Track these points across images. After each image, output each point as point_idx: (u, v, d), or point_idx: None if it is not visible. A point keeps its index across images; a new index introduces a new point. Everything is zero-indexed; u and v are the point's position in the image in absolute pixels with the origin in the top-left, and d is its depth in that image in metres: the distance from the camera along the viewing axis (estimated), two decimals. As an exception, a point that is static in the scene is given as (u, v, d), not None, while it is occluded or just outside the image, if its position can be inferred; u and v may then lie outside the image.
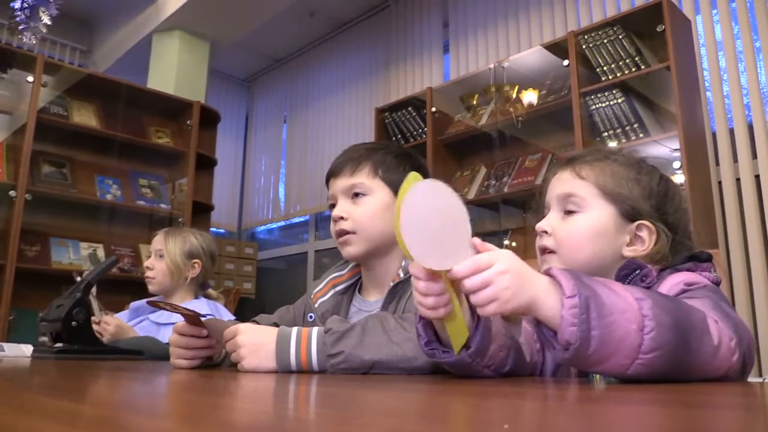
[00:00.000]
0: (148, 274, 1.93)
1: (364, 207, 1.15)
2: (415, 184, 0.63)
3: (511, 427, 0.36)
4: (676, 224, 0.88)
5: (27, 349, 1.49)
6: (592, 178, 0.89)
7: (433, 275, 0.67)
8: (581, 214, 0.89)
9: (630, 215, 0.87)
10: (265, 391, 0.66)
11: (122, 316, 1.88)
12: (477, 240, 0.67)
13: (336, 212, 1.16)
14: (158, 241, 1.98)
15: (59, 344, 1.34)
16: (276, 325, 1.01)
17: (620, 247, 0.87)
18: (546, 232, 0.90)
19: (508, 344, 0.80)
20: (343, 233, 1.15)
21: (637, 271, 0.80)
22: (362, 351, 0.88)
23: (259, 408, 0.51)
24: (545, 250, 0.91)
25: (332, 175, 1.20)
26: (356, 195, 1.16)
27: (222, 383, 0.78)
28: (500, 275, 0.65)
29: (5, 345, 1.53)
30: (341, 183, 1.17)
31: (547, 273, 0.68)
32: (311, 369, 0.90)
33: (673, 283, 0.80)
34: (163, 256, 1.93)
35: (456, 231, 0.66)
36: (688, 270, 0.83)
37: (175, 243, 1.94)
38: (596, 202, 0.88)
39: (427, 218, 0.63)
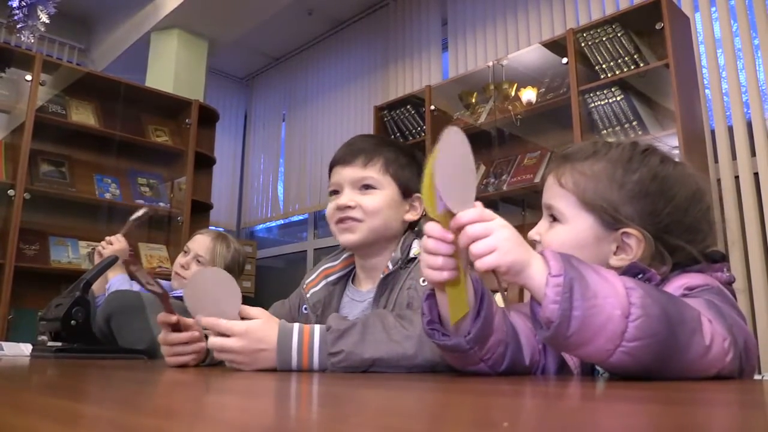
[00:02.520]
0: (183, 273, 1.87)
1: (373, 197, 1.15)
2: (450, 129, 0.66)
3: (511, 426, 0.36)
4: (672, 225, 0.83)
5: (26, 349, 1.49)
6: (571, 186, 0.86)
7: (445, 234, 0.69)
8: (561, 226, 0.87)
9: (612, 224, 0.83)
10: (265, 390, 0.66)
11: (102, 297, 1.85)
12: (478, 203, 0.69)
13: (343, 200, 1.15)
14: (204, 247, 1.90)
15: (58, 343, 1.34)
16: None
17: (606, 256, 0.84)
18: (536, 241, 0.90)
19: (507, 340, 0.80)
20: (347, 219, 1.14)
21: (640, 275, 0.78)
22: (362, 349, 0.88)
23: (259, 407, 0.51)
24: None
25: (340, 162, 1.19)
26: (366, 187, 1.16)
27: (222, 383, 0.78)
28: (502, 227, 0.68)
29: (4, 344, 1.53)
30: (351, 173, 1.17)
31: (540, 254, 0.69)
32: (311, 368, 0.90)
33: (675, 286, 0.78)
34: (202, 263, 1.87)
35: (469, 183, 0.69)
36: (699, 271, 0.81)
37: (221, 256, 1.88)
38: (575, 213, 0.86)
39: (454, 163, 0.66)
